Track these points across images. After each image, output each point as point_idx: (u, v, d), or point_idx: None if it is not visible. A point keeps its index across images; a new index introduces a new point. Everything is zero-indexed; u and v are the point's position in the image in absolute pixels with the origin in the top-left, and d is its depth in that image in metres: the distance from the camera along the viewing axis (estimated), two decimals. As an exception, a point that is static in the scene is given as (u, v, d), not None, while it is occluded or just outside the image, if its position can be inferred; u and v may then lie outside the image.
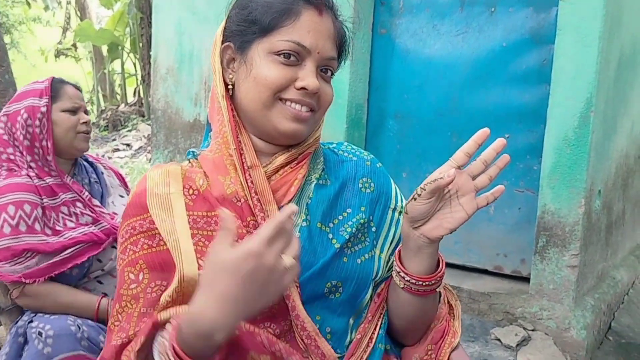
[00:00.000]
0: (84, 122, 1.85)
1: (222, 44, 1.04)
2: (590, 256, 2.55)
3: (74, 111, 1.84)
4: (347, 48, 1.08)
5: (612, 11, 2.36)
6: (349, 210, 1.06)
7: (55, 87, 1.84)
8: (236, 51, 1.02)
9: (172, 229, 0.97)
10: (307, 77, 0.97)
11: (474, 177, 0.98)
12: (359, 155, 1.14)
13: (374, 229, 1.09)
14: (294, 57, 0.97)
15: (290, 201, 1.02)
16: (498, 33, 2.76)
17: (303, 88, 0.97)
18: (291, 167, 1.03)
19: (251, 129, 1.02)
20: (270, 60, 0.97)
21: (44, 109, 1.77)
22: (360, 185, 1.09)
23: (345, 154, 1.14)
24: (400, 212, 1.12)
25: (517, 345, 2.35)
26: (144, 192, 1.00)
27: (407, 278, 1.01)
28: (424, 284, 1.00)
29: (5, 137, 1.76)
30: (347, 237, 1.03)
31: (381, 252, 1.09)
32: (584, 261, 2.46)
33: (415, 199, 0.97)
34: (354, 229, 1.04)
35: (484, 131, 0.98)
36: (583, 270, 2.47)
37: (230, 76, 1.03)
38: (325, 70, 1.01)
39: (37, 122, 1.76)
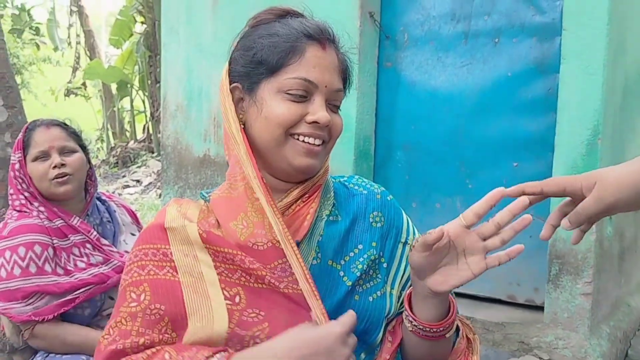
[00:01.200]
0: (54, 167, 1.74)
1: (230, 84, 1.05)
2: (604, 283, 2.52)
3: (44, 157, 1.76)
4: (350, 78, 1.09)
5: (616, 38, 2.39)
6: (360, 247, 1.05)
7: (27, 136, 1.79)
8: (244, 91, 1.03)
9: (193, 266, 0.98)
10: (318, 111, 0.98)
11: (485, 238, 0.93)
12: (369, 188, 1.14)
13: (385, 265, 1.08)
14: (302, 93, 0.99)
15: (304, 237, 1.01)
16: (502, 63, 2.79)
17: (315, 122, 0.98)
18: (303, 201, 1.03)
19: (264, 166, 1.03)
20: (280, 99, 0.99)
21: (17, 166, 1.77)
22: (371, 220, 1.08)
23: (356, 187, 1.13)
24: (412, 247, 1.11)
25: (534, 376, 2.32)
26: (162, 225, 1.02)
27: (415, 323, 0.99)
28: (431, 330, 0.98)
29: (18, 186, 1.79)
30: (358, 274, 1.02)
31: (392, 288, 1.08)
32: (597, 288, 2.43)
33: (411, 249, 0.96)
34: (365, 265, 1.04)
35: (498, 191, 0.92)
36: (597, 297, 2.44)
37: (241, 116, 1.04)
38: (334, 102, 1.03)
39: (19, 179, 1.77)
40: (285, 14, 1.06)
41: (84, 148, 1.88)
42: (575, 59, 2.38)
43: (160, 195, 5.70)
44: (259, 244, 0.98)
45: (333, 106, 1.03)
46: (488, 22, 2.83)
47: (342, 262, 1.03)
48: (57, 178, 1.75)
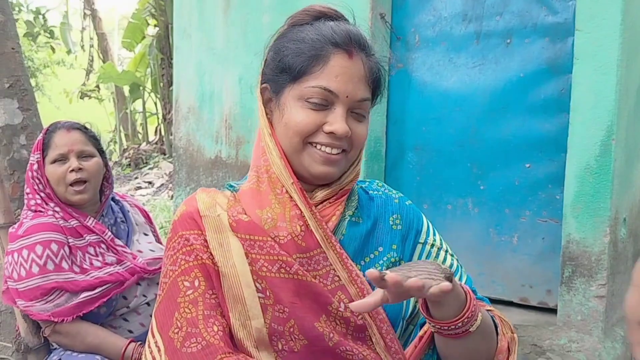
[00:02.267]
0: (72, 170, 1.77)
1: (262, 84, 1.07)
2: (618, 286, 2.50)
3: (62, 160, 1.79)
4: (381, 86, 1.08)
5: (629, 38, 2.37)
6: (380, 249, 1.06)
7: (47, 138, 1.82)
8: (272, 93, 1.05)
9: (227, 258, 0.99)
10: (336, 122, 0.98)
11: None
12: (387, 193, 1.15)
13: None
14: (323, 102, 0.99)
15: None
16: (515, 64, 2.78)
17: (332, 132, 0.98)
18: (329, 203, 1.04)
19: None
20: (300, 106, 1.00)
21: (35, 167, 1.79)
22: (391, 223, 1.09)
23: (375, 192, 1.14)
24: (432, 246, 1.11)
25: (547, 378, 2.30)
26: (197, 212, 1.04)
27: (432, 323, 0.95)
28: (449, 327, 0.93)
29: (35, 186, 1.81)
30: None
31: None
32: (611, 291, 2.41)
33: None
34: (385, 267, 1.04)
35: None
36: (611, 300, 2.42)
37: (269, 116, 1.06)
38: (358, 111, 1.02)
39: (36, 180, 1.79)
40: (320, 16, 1.05)
41: (101, 152, 1.90)
42: (589, 59, 2.36)
43: (172, 196, 5.74)
44: (280, 237, 1.00)
45: (358, 115, 1.02)
46: (500, 23, 2.81)
47: (362, 263, 1.04)
48: (74, 184, 1.77)
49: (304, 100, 0.99)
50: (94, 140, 1.88)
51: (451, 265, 1.10)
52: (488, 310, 1.06)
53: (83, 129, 1.87)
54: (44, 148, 1.80)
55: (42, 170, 1.79)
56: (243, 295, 0.97)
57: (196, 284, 0.98)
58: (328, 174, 1.01)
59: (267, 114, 1.06)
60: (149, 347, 0.99)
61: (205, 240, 1.01)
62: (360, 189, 1.14)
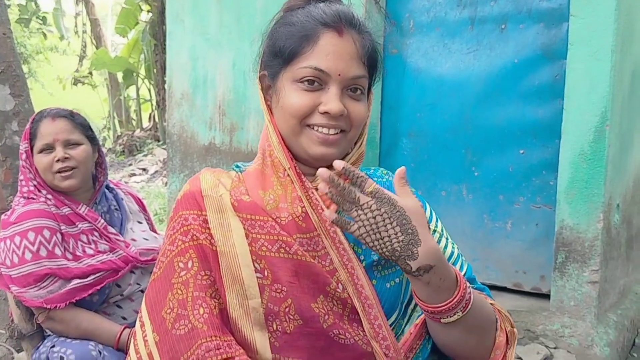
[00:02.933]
0: (57, 160, 1.75)
1: (260, 72, 1.08)
2: (611, 272, 2.51)
3: (48, 149, 1.77)
4: (378, 62, 1.06)
5: (624, 24, 2.36)
6: None
7: (33, 127, 1.80)
8: (269, 80, 1.05)
9: (227, 237, 1.00)
10: (330, 101, 0.97)
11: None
12: (391, 180, 1.13)
13: None
14: (316, 82, 0.98)
15: None
16: (509, 50, 2.77)
17: (326, 112, 0.98)
18: None
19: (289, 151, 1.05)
20: (294, 89, 0.99)
21: (24, 156, 1.79)
22: None
23: (379, 179, 1.14)
24: (433, 231, 1.09)
25: (540, 363, 2.32)
26: (199, 192, 1.04)
27: (422, 307, 0.94)
28: (435, 312, 0.92)
29: (27, 174, 1.80)
30: (375, 257, 1.03)
31: None
32: (604, 277, 2.42)
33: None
34: None
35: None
36: (604, 286, 2.43)
37: (269, 102, 1.07)
38: (354, 89, 1.01)
39: (27, 169, 1.79)
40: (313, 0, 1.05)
41: (92, 139, 1.87)
42: (583, 45, 2.36)
43: (166, 183, 5.73)
44: (281, 218, 1.01)
45: (354, 93, 1.01)
46: (494, 8, 2.80)
47: (364, 247, 1.03)
48: (60, 172, 1.75)
49: (297, 82, 0.99)
50: (82, 127, 1.85)
51: (452, 253, 1.09)
52: (490, 303, 1.04)
53: (69, 116, 1.83)
54: (31, 137, 1.79)
55: (31, 159, 1.78)
56: (241, 275, 0.97)
57: (189, 265, 0.99)
58: (326, 155, 1.00)
59: (266, 100, 1.07)
60: (141, 322, 0.99)
61: (205, 220, 1.01)
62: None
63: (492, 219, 2.85)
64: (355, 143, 1.07)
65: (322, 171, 0.87)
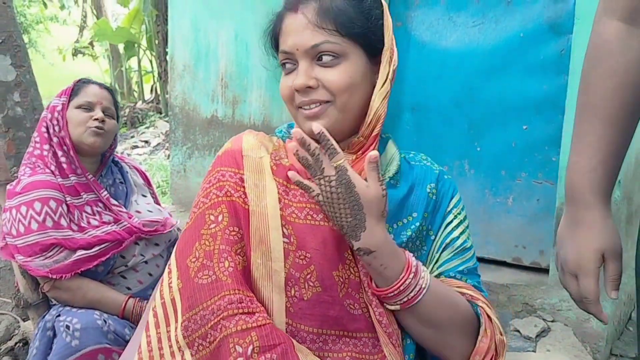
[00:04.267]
0: (95, 119, 1.84)
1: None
2: (610, 247, 2.53)
3: (88, 108, 1.85)
4: (353, 18, 0.99)
5: (631, -1, 2.33)
6: (414, 215, 1.07)
7: (77, 87, 1.89)
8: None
9: (260, 198, 1.02)
10: (296, 78, 1.00)
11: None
12: (428, 165, 1.14)
13: (432, 237, 1.08)
14: (289, 64, 1.02)
15: None
16: (515, 23, 2.74)
17: (296, 90, 1.00)
18: (357, 157, 1.04)
19: None
20: (282, 76, 1.04)
21: (59, 108, 1.84)
22: (428, 191, 1.09)
23: (417, 163, 1.14)
24: (455, 216, 1.10)
25: (537, 336, 2.35)
26: (239, 151, 1.07)
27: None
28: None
29: (46, 134, 1.82)
30: (404, 239, 1.04)
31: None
32: (604, 252, 2.44)
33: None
34: (414, 233, 1.05)
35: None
36: (603, 261, 2.45)
37: None
38: (321, 57, 0.99)
39: (55, 120, 1.82)
40: None
41: (117, 118, 1.97)
42: (590, 19, 2.29)
43: (168, 156, 5.73)
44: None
45: (322, 61, 0.99)
46: (501, -19, 2.76)
47: (395, 226, 1.05)
48: (95, 129, 1.83)
49: (282, 69, 1.04)
50: (116, 105, 1.96)
51: (463, 243, 1.09)
52: (479, 305, 1.03)
53: (110, 91, 1.95)
54: (72, 94, 1.86)
55: (65, 112, 1.84)
56: (269, 237, 0.99)
57: (220, 218, 1.01)
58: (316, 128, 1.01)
59: None
60: (168, 269, 1.02)
61: (241, 179, 1.04)
62: (403, 158, 1.14)
63: (493, 194, 2.86)
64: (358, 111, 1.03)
65: (296, 130, 0.90)
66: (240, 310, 0.92)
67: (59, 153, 1.80)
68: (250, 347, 0.88)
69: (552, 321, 2.45)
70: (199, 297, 0.94)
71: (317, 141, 0.94)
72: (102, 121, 1.84)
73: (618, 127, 0.94)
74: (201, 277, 0.96)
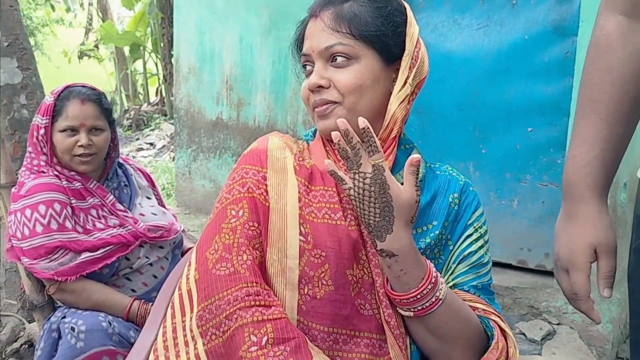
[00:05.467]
0: (80, 145, 1.76)
1: None
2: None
3: (72, 131, 1.77)
4: (364, 21, 1.02)
5: (637, 1, 2.33)
6: (434, 223, 1.06)
7: (59, 105, 1.78)
8: None
9: (281, 196, 1.05)
10: (310, 78, 1.05)
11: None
12: (453, 175, 1.14)
13: (450, 247, 1.08)
14: (308, 66, 1.07)
15: None
16: (520, 26, 2.74)
17: (310, 90, 1.05)
18: None
19: None
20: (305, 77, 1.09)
21: (42, 131, 1.77)
22: (450, 200, 1.08)
23: (441, 172, 1.14)
24: (476, 230, 1.08)
25: (542, 339, 2.34)
26: (264, 151, 1.10)
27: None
28: (400, 300, 0.96)
29: (38, 147, 1.80)
30: (423, 246, 1.04)
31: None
32: (609, 255, 2.43)
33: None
34: (433, 241, 1.05)
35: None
36: (609, 263, 2.44)
37: None
38: (334, 59, 1.03)
39: (42, 140, 1.78)
40: None
41: (112, 122, 1.90)
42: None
43: (173, 158, 5.74)
44: (332, 189, 1.05)
45: (335, 62, 1.03)
46: (506, -17, 2.76)
47: (415, 233, 1.04)
48: (80, 156, 1.78)
49: (303, 71, 1.10)
50: (106, 112, 1.86)
51: (480, 258, 1.08)
52: (492, 319, 1.03)
53: (98, 101, 1.83)
54: (55, 114, 1.78)
55: (49, 135, 1.78)
56: (286, 234, 1.01)
57: (240, 213, 1.03)
58: (326, 127, 1.04)
59: None
60: (189, 262, 1.04)
61: (264, 177, 1.06)
62: (428, 167, 1.15)
63: (498, 197, 2.86)
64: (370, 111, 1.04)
65: (341, 121, 0.89)
66: (257, 302, 0.93)
67: (57, 168, 1.80)
68: (265, 338, 0.90)
69: (558, 324, 2.44)
70: (215, 288, 0.96)
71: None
72: (89, 145, 1.77)
73: (616, 122, 0.94)
74: (219, 269, 0.98)
